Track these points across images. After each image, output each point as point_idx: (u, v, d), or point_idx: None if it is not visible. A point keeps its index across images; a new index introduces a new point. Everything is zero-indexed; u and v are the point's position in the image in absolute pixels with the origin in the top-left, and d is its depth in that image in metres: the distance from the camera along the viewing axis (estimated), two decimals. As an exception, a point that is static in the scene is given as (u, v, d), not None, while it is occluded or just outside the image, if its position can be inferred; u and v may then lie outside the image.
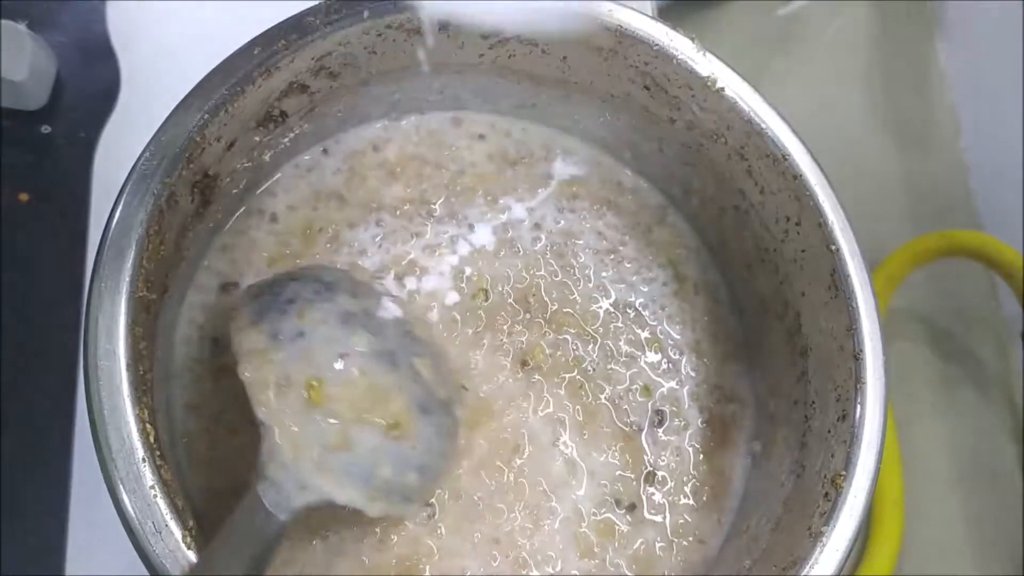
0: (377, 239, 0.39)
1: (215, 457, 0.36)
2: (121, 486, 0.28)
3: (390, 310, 0.34)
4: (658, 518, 0.37)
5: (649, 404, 0.39)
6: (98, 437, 0.29)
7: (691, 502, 0.38)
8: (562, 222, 0.41)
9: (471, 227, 0.40)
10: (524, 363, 0.38)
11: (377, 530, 0.35)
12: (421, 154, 0.41)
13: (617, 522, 0.37)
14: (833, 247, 0.34)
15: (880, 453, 0.32)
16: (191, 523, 0.29)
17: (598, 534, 0.37)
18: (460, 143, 0.41)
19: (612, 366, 0.39)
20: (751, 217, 0.38)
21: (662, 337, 0.40)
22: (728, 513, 0.38)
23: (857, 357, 0.33)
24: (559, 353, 0.39)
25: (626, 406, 0.39)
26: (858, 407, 0.33)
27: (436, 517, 0.36)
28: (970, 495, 0.47)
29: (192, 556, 0.28)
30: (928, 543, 0.45)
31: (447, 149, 0.41)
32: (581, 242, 0.41)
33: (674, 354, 0.40)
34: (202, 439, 0.36)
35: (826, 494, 0.32)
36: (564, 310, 0.40)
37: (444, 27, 0.36)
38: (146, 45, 0.45)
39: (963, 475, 0.47)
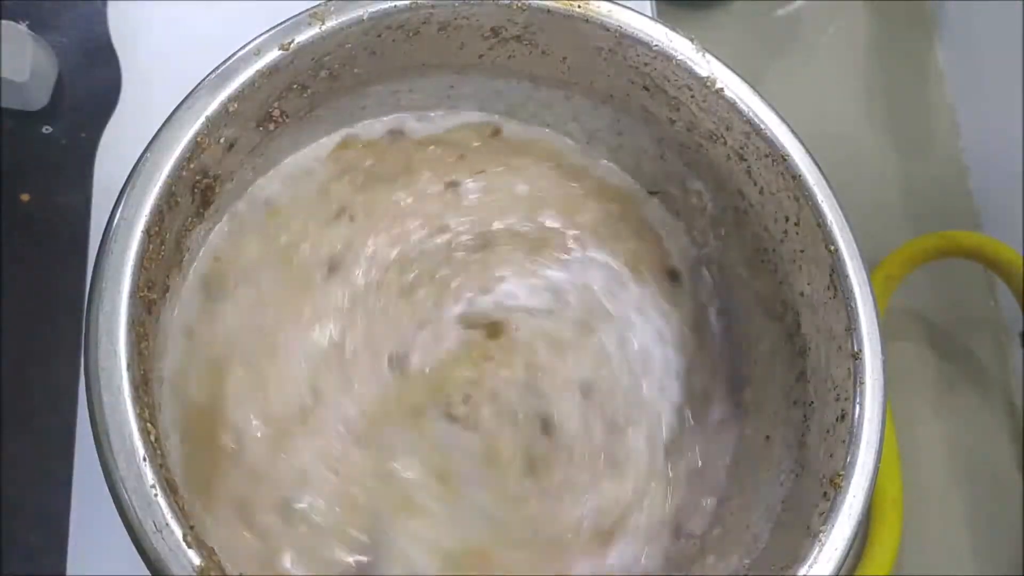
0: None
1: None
2: (122, 485, 0.28)
3: None
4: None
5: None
6: (99, 436, 0.29)
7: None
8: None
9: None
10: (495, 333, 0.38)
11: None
12: (421, 154, 0.41)
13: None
14: (832, 247, 0.34)
15: (879, 453, 0.32)
16: (191, 522, 0.30)
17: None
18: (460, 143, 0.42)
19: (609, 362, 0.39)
20: (750, 217, 0.38)
21: (660, 337, 0.40)
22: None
23: (856, 357, 0.33)
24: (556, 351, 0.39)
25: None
26: (857, 407, 0.33)
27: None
28: (969, 495, 0.47)
29: (193, 555, 0.28)
30: (927, 543, 0.45)
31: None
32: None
33: (672, 353, 0.40)
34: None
35: (825, 494, 0.32)
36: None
37: (444, 27, 0.36)
38: (147, 46, 0.45)
39: (962, 475, 0.47)
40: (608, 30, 0.36)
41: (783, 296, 0.37)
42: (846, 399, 0.33)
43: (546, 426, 0.38)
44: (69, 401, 0.40)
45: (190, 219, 0.35)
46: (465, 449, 0.36)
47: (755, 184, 0.37)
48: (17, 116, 0.44)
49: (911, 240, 0.48)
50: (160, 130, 0.32)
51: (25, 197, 0.43)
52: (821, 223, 0.35)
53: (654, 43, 0.36)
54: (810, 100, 0.48)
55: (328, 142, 0.40)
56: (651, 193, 0.41)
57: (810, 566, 0.31)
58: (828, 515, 0.32)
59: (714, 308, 0.41)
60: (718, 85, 0.36)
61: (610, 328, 0.39)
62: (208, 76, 0.33)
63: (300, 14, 0.34)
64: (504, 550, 0.35)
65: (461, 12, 0.35)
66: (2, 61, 0.41)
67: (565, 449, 0.37)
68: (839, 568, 0.31)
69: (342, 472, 0.35)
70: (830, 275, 0.34)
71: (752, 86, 0.36)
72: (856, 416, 0.33)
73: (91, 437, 0.29)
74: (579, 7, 0.36)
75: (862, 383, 0.33)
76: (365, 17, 0.34)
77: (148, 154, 0.32)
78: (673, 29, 0.36)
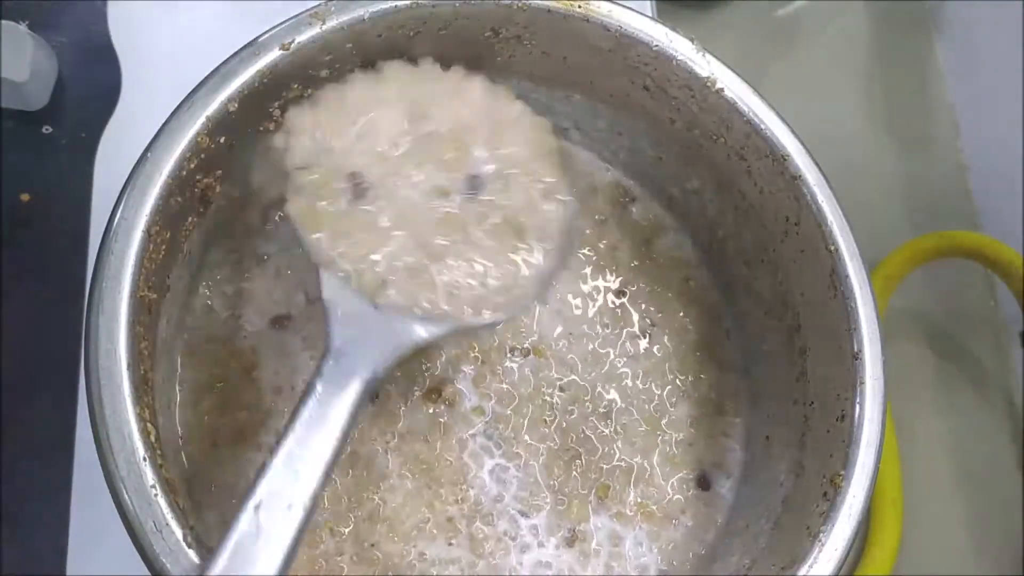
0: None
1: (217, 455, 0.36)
2: (122, 485, 0.29)
3: None
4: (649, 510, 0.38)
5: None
6: (99, 436, 0.29)
7: (682, 498, 0.38)
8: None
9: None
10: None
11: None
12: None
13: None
14: (832, 247, 0.34)
15: (879, 453, 0.32)
16: (191, 522, 0.30)
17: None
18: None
19: (608, 361, 0.39)
20: (750, 217, 0.38)
21: (659, 336, 0.40)
22: (723, 512, 0.38)
23: (856, 357, 0.33)
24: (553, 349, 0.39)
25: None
26: (857, 407, 0.33)
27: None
28: (969, 495, 0.47)
29: (192, 555, 0.28)
30: (927, 543, 0.45)
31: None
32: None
33: (660, 351, 0.40)
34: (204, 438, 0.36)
35: (825, 494, 0.32)
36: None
37: (444, 27, 0.36)
38: (147, 46, 0.45)
39: (962, 475, 0.47)
40: (608, 30, 0.36)
41: (783, 296, 0.37)
42: (846, 399, 0.33)
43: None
44: (69, 401, 0.40)
45: (191, 218, 0.35)
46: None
47: (755, 184, 0.37)
48: (17, 116, 0.44)
49: (910, 240, 0.48)
50: (160, 130, 0.32)
51: (25, 197, 0.43)
52: (821, 223, 0.35)
53: (654, 43, 0.36)
54: (810, 100, 0.48)
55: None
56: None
57: (810, 566, 0.31)
58: (828, 515, 0.32)
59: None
60: (718, 85, 0.36)
61: None
62: (209, 76, 0.33)
63: (301, 14, 0.34)
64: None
65: (462, 12, 0.35)
66: (2, 61, 0.41)
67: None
68: (839, 568, 0.31)
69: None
70: (830, 275, 0.34)
71: (752, 86, 0.36)
72: (856, 416, 0.33)
73: (91, 437, 0.29)
74: (579, 7, 0.36)
75: (862, 383, 0.33)
76: (366, 17, 0.34)
77: (148, 154, 0.32)
78: (673, 29, 0.36)
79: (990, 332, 0.50)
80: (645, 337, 0.40)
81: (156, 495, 0.29)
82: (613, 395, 0.39)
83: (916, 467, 0.46)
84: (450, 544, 0.36)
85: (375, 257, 0.31)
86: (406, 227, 0.32)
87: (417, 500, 0.36)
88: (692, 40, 0.36)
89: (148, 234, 0.31)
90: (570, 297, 0.40)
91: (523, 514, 0.37)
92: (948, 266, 0.49)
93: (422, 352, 0.37)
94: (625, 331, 0.40)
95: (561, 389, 0.39)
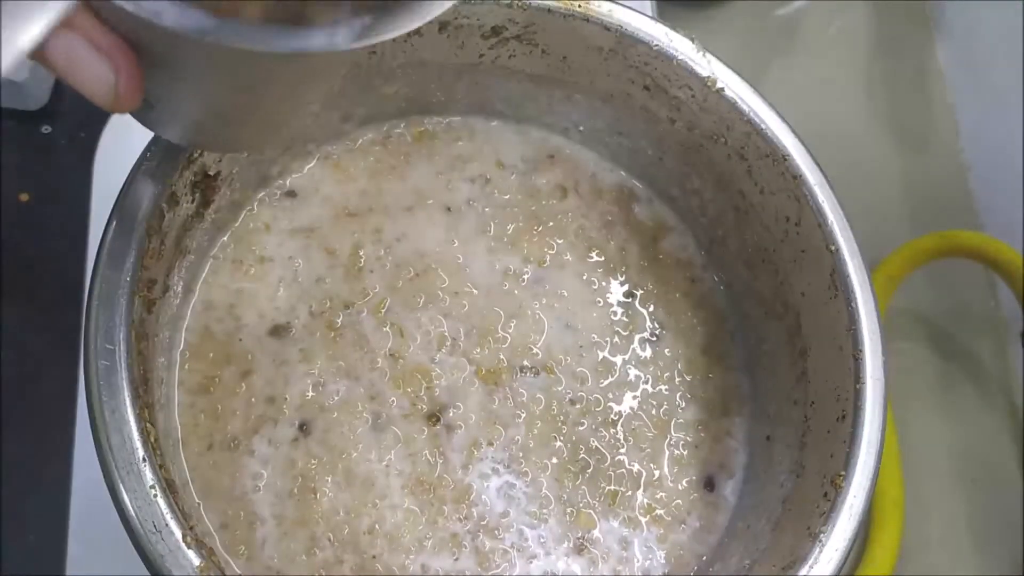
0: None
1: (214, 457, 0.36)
2: (121, 486, 0.28)
3: None
4: (658, 514, 0.37)
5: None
6: (98, 437, 0.29)
7: (689, 501, 0.38)
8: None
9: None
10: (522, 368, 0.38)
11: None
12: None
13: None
14: (833, 247, 0.34)
15: (880, 453, 0.32)
16: (191, 523, 0.29)
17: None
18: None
19: (618, 369, 0.39)
20: (751, 217, 0.38)
21: (667, 338, 0.40)
22: (726, 513, 0.38)
23: (856, 357, 0.33)
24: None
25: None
26: (857, 407, 0.33)
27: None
28: (970, 495, 0.47)
29: (192, 556, 0.28)
30: (928, 543, 0.45)
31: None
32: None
33: (670, 353, 0.40)
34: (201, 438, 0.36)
35: (825, 494, 0.32)
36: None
37: (444, 27, 0.36)
38: (146, 45, 0.45)
39: (963, 475, 0.47)
40: (609, 30, 0.36)
41: (784, 296, 0.37)
42: (847, 399, 0.33)
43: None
44: (68, 401, 0.40)
45: (190, 218, 0.35)
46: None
47: (755, 184, 0.37)
48: (16, 115, 0.44)
49: (911, 240, 0.48)
50: (160, 130, 0.32)
51: (24, 197, 0.43)
52: (822, 223, 0.35)
53: (654, 43, 0.36)
54: (810, 100, 0.49)
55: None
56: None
57: (811, 566, 0.31)
58: (829, 515, 0.32)
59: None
60: (719, 85, 0.36)
61: None
62: (208, 75, 0.33)
63: (300, 13, 0.34)
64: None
65: (462, 11, 0.35)
66: (1, 60, 0.41)
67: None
68: (840, 568, 0.31)
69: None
70: (831, 275, 0.34)
71: (753, 86, 0.36)
72: (857, 416, 0.33)
73: (90, 437, 0.29)
74: (580, 7, 0.36)
75: (863, 383, 0.33)
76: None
77: (147, 153, 0.32)
78: (673, 29, 0.36)
79: (991, 332, 0.50)
80: (654, 340, 0.40)
81: (155, 495, 0.29)
82: (624, 403, 0.38)
83: (917, 467, 0.46)
84: (455, 559, 0.35)
85: None
86: None
87: (418, 518, 0.36)
88: (692, 39, 0.36)
89: (147, 234, 0.31)
90: (579, 307, 0.40)
91: (531, 526, 0.36)
92: (949, 266, 0.49)
93: (423, 369, 0.37)
94: (636, 336, 0.40)
95: (571, 402, 0.38)
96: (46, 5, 0.20)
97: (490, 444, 0.37)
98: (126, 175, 0.32)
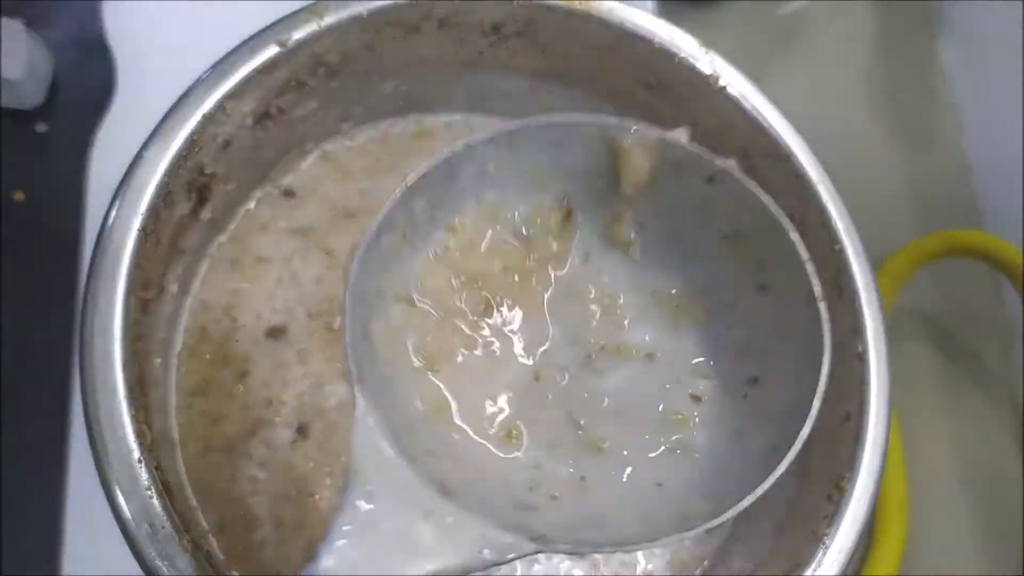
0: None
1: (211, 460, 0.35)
2: (117, 487, 0.28)
3: None
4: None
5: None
6: (94, 438, 0.29)
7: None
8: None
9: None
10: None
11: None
12: (421, 152, 0.41)
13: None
14: (837, 247, 0.34)
15: (884, 454, 0.32)
16: (187, 525, 0.29)
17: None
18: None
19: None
20: (754, 216, 0.38)
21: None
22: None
23: (861, 358, 0.33)
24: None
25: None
26: (862, 408, 0.32)
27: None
28: (974, 496, 0.47)
29: (188, 558, 0.28)
30: (932, 545, 0.45)
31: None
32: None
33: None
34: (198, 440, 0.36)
35: (829, 496, 0.32)
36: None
37: (444, 24, 0.36)
38: (143, 43, 0.45)
39: (967, 476, 0.47)
40: (610, 27, 0.36)
41: (787, 296, 0.37)
42: (851, 400, 0.33)
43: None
44: (64, 402, 0.40)
45: (187, 218, 0.35)
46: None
47: (759, 183, 0.37)
48: (12, 114, 0.44)
49: (915, 240, 0.48)
50: (156, 128, 0.32)
51: (19, 196, 0.43)
52: (826, 223, 0.34)
53: (656, 40, 0.36)
54: (813, 99, 0.48)
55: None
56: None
57: (814, 569, 0.31)
58: (832, 518, 0.31)
59: None
60: (721, 83, 0.35)
61: None
62: (205, 73, 0.33)
63: (298, 10, 0.34)
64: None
65: (462, 8, 0.35)
66: (-3, 59, 0.41)
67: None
68: (843, 571, 0.31)
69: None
70: (835, 275, 0.34)
71: (756, 84, 0.36)
72: (861, 417, 0.32)
73: (86, 439, 0.29)
74: (581, 4, 0.35)
75: (867, 384, 0.33)
76: (364, 14, 0.34)
77: (144, 152, 0.32)
78: (676, 26, 0.36)
79: (996, 332, 0.50)
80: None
81: (151, 497, 0.28)
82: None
83: (921, 468, 0.46)
84: None
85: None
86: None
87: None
88: (695, 37, 0.36)
89: (143, 233, 0.31)
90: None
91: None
92: (953, 266, 0.49)
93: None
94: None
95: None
96: None
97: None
98: (122, 174, 0.32)
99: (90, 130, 0.44)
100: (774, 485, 0.35)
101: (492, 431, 0.28)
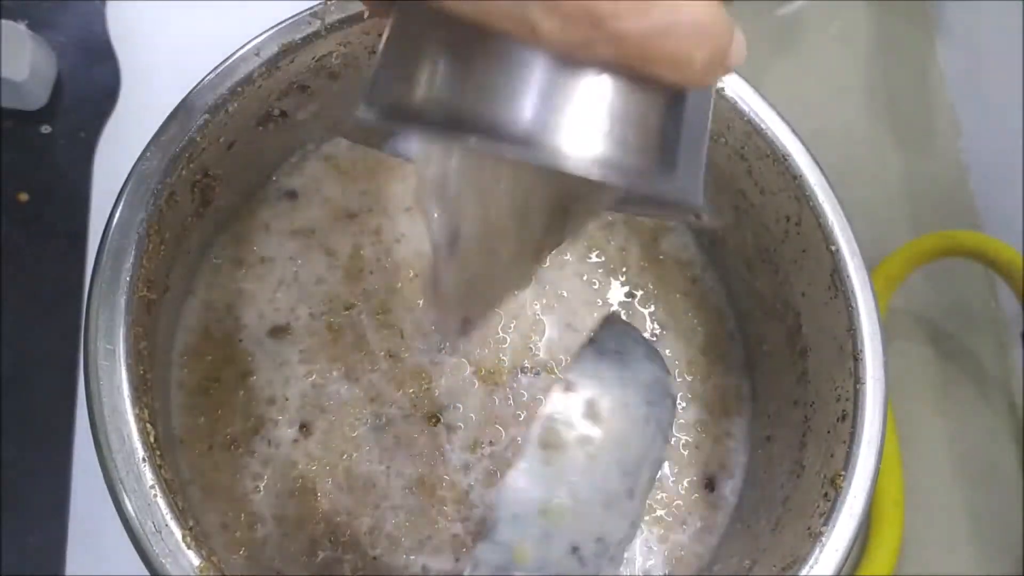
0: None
1: (215, 458, 0.36)
2: (121, 486, 0.28)
3: None
4: (658, 514, 0.37)
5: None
6: (98, 437, 0.29)
7: (690, 501, 0.38)
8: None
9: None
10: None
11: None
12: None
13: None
14: (833, 247, 0.34)
15: (880, 453, 0.32)
16: (191, 523, 0.29)
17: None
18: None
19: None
20: (751, 217, 0.38)
21: (668, 338, 0.40)
22: (727, 513, 0.38)
23: (857, 357, 0.33)
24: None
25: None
26: (858, 407, 0.33)
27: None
28: (970, 495, 0.47)
29: (192, 556, 0.28)
30: (928, 543, 0.45)
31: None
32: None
33: (671, 353, 0.40)
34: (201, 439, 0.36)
35: (826, 494, 0.32)
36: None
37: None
38: (146, 45, 0.45)
39: (963, 475, 0.47)
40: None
41: (784, 296, 0.37)
42: (847, 399, 0.33)
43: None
44: (68, 401, 0.40)
45: (190, 218, 0.35)
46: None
47: (756, 184, 0.37)
48: (16, 115, 0.44)
49: (911, 240, 0.48)
50: (159, 129, 0.32)
51: (24, 197, 0.43)
52: (822, 223, 0.35)
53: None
54: (810, 100, 0.48)
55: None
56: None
57: (811, 567, 0.31)
58: (829, 515, 0.32)
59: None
60: (718, 84, 0.36)
61: None
62: (208, 75, 0.33)
63: (300, 13, 0.34)
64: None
65: (461, 10, 0.35)
66: (1, 60, 0.41)
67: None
68: (840, 568, 0.31)
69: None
70: (831, 275, 0.34)
71: (753, 86, 0.36)
72: (857, 416, 0.33)
73: (90, 438, 0.29)
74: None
75: (863, 383, 0.33)
76: (366, 16, 0.34)
77: (147, 153, 0.32)
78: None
79: (991, 332, 0.50)
80: (655, 340, 0.40)
81: (155, 496, 0.29)
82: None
83: (917, 467, 0.46)
84: (457, 560, 0.35)
85: None
86: None
87: (419, 519, 0.36)
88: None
89: (147, 234, 0.31)
90: (579, 307, 0.40)
91: None
92: (949, 266, 0.49)
93: (423, 370, 0.37)
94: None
95: None
96: None
97: (491, 444, 0.37)
98: (126, 175, 0.32)
99: (94, 131, 0.44)
100: (773, 484, 0.36)
101: None
